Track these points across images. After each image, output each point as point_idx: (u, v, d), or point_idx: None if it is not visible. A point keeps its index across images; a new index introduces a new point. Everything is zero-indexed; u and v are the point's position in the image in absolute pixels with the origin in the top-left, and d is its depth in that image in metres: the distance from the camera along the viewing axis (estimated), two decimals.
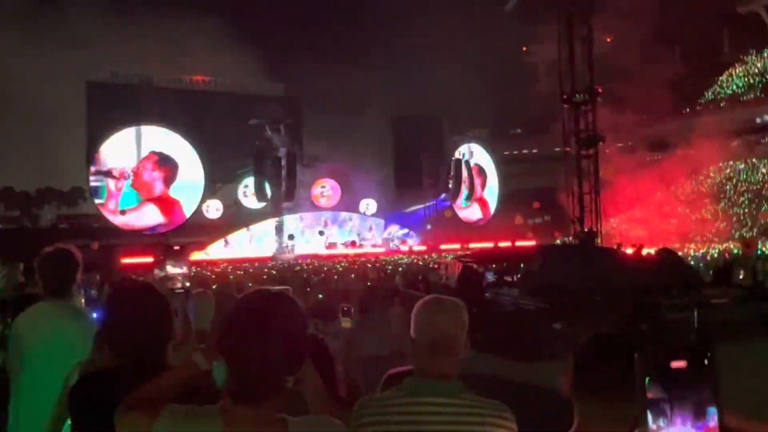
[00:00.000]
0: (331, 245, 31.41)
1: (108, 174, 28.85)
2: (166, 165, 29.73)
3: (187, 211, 30.52)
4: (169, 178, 29.84)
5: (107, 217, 29.00)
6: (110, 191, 28.96)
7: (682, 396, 1.13)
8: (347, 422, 1.85)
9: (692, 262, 17.04)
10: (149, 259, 21.53)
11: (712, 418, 1.13)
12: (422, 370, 1.95)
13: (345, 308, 2.50)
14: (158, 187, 29.67)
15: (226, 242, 29.76)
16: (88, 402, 1.92)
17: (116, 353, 1.96)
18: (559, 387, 1.77)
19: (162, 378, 1.66)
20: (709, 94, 46.93)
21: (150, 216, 29.68)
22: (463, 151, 38.96)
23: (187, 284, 4.06)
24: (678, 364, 1.14)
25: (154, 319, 1.99)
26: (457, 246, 30.16)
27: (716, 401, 1.14)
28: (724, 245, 24.62)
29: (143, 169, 29.23)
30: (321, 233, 32.18)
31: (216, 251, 29.18)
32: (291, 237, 30.55)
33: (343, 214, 34.57)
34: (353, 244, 32.13)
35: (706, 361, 1.15)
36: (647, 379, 1.15)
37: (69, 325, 2.90)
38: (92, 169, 28.86)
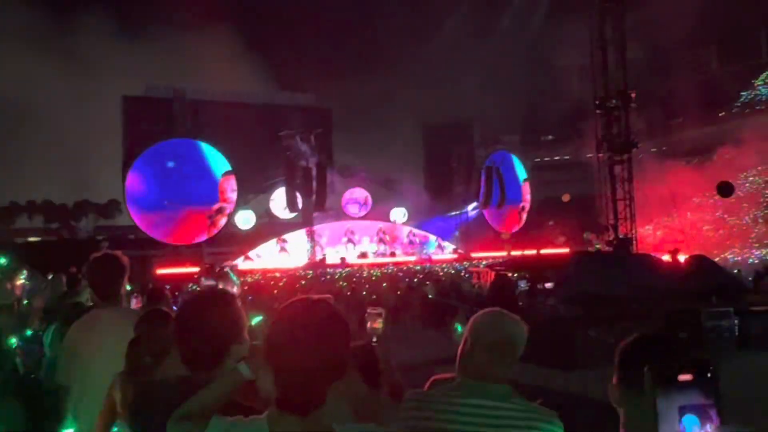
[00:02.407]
0: (363, 254, 31.44)
1: None
2: None
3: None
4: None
5: None
6: None
7: (688, 407, 1.21)
8: (393, 416, 1.86)
9: (733, 270, 16.67)
10: (185, 270, 21.89)
11: (715, 428, 1.21)
12: (475, 373, 1.96)
13: (375, 312, 2.45)
14: None
15: (282, 244, 29.93)
16: (147, 413, 1.91)
17: (187, 363, 1.93)
18: (605, 392, 1.77)
19: (209, 388, 1.67)
20: (746, 96, 45.91)
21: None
22: (494, 158, 38.70)
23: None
24: (684, 377, 1.23)
25: (228, 329, 1.96)
26: (489, 254, 29.96)
27: (718, 412, 1.22)
28: (765, 251, 24.01)
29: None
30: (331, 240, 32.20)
31: (247, 262, 29.42)
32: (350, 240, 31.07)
33: (374, 223, 34.59)
34: (393, 254, 32.04)
35: (709, 375, 1.24)
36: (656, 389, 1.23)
37: (130, 330, 2.80)
38: None
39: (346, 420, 1.63)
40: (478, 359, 1.97)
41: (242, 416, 1.54)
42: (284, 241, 30.07)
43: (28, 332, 5.84)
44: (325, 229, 31.29)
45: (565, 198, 34.20)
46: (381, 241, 32.44)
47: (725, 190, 18.60)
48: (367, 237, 32.42)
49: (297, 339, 1.47)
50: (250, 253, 28.63)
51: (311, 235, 30.38)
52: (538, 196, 40.35)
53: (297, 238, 30.44)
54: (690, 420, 1.21)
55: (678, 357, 1.29)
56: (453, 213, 37.54)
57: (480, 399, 1.89)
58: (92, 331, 3.02)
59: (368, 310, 2.38)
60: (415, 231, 33.72)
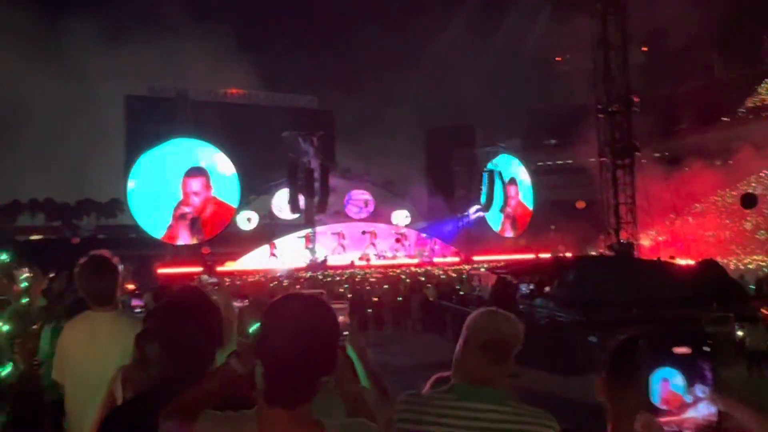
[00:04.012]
0: (364, 256, 31.42)
1: None
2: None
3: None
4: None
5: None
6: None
7: (683, 378, 1.21)
8: (382, 411, 1.86)
9: (736, 276, 16.62)
10: (186, 269, 21.90)
11: (708, 398, 1.19)
12: (469, 375, 1.93)
13: (339, 306, 2.37)
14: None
15: (273, 249, 30.04)
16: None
17: (170, 360, 1.94)
18: (594, 391, 1.78)
19: (200, 385, 1.68)
20: (750, 103, 45.92)
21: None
22: (495, 161, 38.73)
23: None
24: (680, 350, 1.22)
25: (209, 325, 1.98)
26: (490, 257, 29.92)
27: (713, 384, 1.20)
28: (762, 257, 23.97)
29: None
30: (363, 232, 32.46)
31: (248, 262, 29.43)
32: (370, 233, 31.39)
33: (375, 225, 34.59)
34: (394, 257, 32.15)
35: (706, 348, 1.23)
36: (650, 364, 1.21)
37: (126, 336, 2.70)
38: None
39: (336, 415, 1.63)
40: (471, 361, 1.94)
41: (232, 411, 1.54)
42: (310, 240, 30.29)
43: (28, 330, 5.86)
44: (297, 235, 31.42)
45: (580, 205, 33.99)
46: (399, 242, 32.68)
47: (749, 201, 18.49)
48: (385, 241, 32.64)
49: (286, 333, 1.48)
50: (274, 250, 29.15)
51: (313, 237, 30.41)
52: (540, 200, 40.35)
53: (322, 235, 30.80)
54: (669, 376, 1.20)
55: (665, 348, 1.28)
56: (455, 216, 37.53)
57: (475, 402, 1.87)
58: (84, 333, 2.98)
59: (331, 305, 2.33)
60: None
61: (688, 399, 1.19)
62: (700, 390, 1.18)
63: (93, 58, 55.30)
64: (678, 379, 1.17)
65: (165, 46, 57.06)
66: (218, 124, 41.43)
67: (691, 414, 1.18)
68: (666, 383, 1.19)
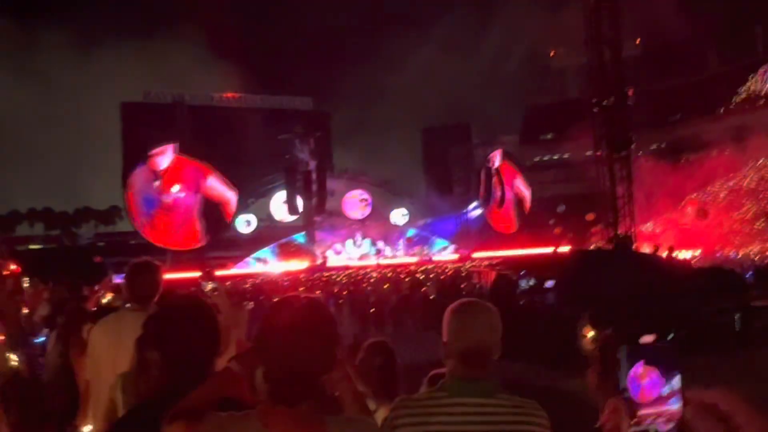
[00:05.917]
0: (364, 256, 31.46)
1: None
2: None
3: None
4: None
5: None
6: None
7: (651, 366, 1.23)
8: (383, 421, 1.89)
9: (734, 265, 16.68)
10: (186, 275, 21.86)
11: (676, 386, 1.21)
12: (457, 374, 1.95)
13: None
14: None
15: (324, 258, 30.13)
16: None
17: (169, 367, 1.96)
18: (587, 385, 1.81)
19: (202, 387, 1.71)
20: (744, 93, 45.96)
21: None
22: (492, 158, 38.75)
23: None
24: (646, 339, 1.24)
25: (207, 331, 2.00)
26: (490, 254, 29.94)
27: (678, 371, 1.22)
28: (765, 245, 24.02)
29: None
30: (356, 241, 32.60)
31: (250, 266, 29.45)
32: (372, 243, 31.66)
33: (374, 225, 34.59)
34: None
35: (670, 337, 1.26)
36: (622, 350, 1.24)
37: None
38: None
39: (337, 412, 1.66)
40: (452, 363, 1.96)
41: (235, 411, 1.58)
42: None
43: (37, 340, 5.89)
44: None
45: (560, 209, 34.16)
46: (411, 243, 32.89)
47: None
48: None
49: (285, 335, 1.52)
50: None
51: (312, 238, 30.44)
52: (538, 195, 40.34)
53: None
54: (645, 372, 1.22)
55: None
56: (453, 214, 37.53)
57: (466, 397, 1.90)
58: (116, 331, 3.10)
59: None
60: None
61: (665, 392, 1.21)
62: (675, 382, 1.21)
63: (88, 66, 55.33)
64: (655, 373, 1.18)
65: (160, 52, 57.11)
66: (215, 129, 41.41)
67: (667, 407, 1.20)
68: (646, 378, 1.21)
